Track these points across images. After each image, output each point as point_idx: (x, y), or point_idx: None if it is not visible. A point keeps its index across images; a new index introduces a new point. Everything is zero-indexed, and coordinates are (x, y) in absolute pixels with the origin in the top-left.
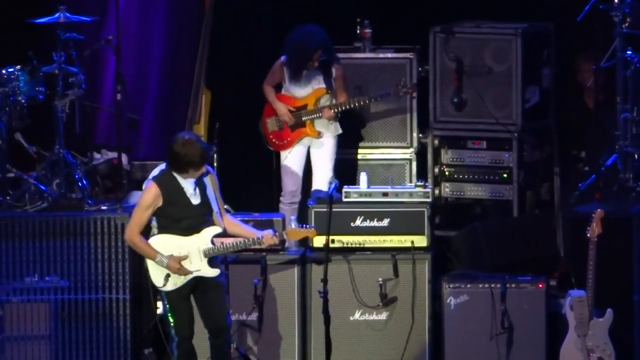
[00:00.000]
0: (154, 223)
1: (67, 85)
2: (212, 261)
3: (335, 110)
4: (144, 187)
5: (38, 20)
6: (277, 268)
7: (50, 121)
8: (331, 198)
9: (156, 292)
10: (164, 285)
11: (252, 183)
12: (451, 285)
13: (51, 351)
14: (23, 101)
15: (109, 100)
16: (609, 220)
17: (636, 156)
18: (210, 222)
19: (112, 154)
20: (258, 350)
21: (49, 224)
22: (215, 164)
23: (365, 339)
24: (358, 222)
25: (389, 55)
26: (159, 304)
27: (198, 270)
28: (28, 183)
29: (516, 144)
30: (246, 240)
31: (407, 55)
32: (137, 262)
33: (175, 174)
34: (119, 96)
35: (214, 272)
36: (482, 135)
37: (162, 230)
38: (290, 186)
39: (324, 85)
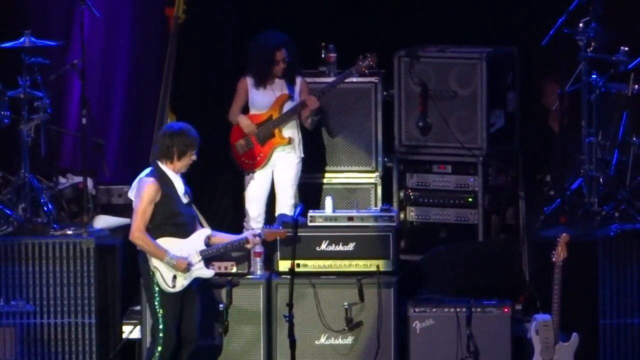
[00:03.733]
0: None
1: (32, 110)
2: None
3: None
4: (138, 185)
5: (3, 45)
6: (242, 292)
7: (16, 145)
8: (296, 222)
9: (123, 316)
10: (173, 286)
11: (217, 207)
12: (417, 310)
13: None
14: None
15: (74, 125)
16: (574, 245)
17: (601, 180)
18: (196, 226)
19: (78, 178)
20: None
21: (15, 249)
22: None
23: None
24: (323, 247)
25: (354, 79)
26: (125, 328)
27: (199, 271)
28: None
29: (481, 168)
30: (234, 242)
31: (372, 79)
32: (103, 286)
33: (167, 171)
34: (84, 120)
35: (210, 273)
36: (447, 159)
37: (156, 230)
38: (253, 213)
39: (286, 92)
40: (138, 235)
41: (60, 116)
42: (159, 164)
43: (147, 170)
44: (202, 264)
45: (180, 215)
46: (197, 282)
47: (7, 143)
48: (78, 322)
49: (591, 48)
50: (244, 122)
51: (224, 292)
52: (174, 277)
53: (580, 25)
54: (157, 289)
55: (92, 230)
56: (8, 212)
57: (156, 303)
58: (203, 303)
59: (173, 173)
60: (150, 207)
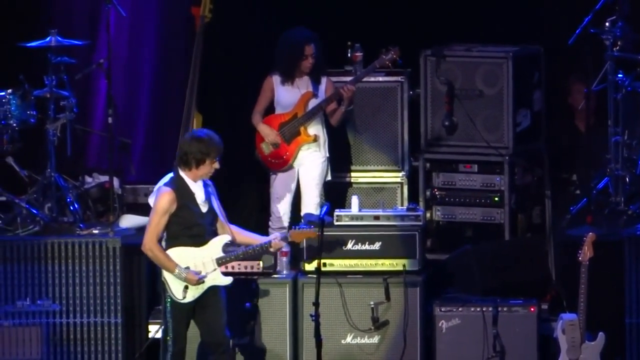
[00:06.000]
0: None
1: (58, 109)
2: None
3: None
4: (156, 194)
5: (29, 44)
6: (268, 292)
7: (42, 145)
8: (322, 221)
9: (149, 315)
10: (184, 297)
11: (243, 207)
12: (443, 309)
13: None
14: (14, 125)
15: (100, 124)
16: (601, 244)
17: (627, 179)
18: (215, 232)
19: (104, 178)
20: None
21: (41, 248)
22: None
23: None
24: (350, 246)
25: (380, 78)
26: (151, 327)
27: (213, 280)
28: (20, 207)
29: (507, 168)
30: (255, 247)
31: (398, 78)
32: (129, 285)
33: (186, 179)
34: (110, 120)
35: (227, 281)
36: (473, 158)
37: (172, 240)
38: (278, 212)
39: (311, 89)
40: (149, 247)
41: (87, 115)
42: (179, 171)
43: (168, 176)
44: (217, 272)
45: (197, 226)
46: (220, 287)
47: (33, 142)
48: (104, 322)
49: (617, 47)
50: (264, 130)
51: (250, 291)
52: (185, 287)
53: (607, 24)
54: (168, 298)
55: (118, 229)
56: (34, 211)
57: (167, 313)
58: (228, 305)
59: (192, 181)
60: (164, 218)
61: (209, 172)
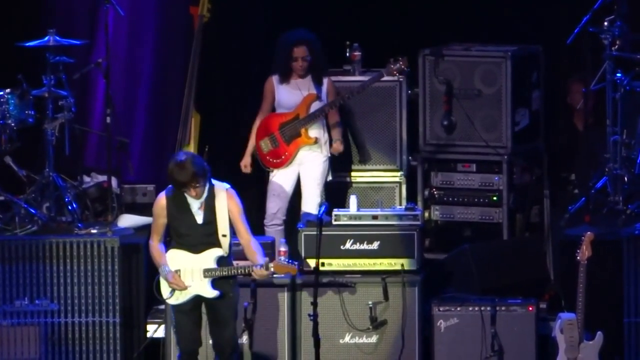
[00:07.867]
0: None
1: (56, 109)
2: (223, 282)
3: (332, 110)
4: None
5: (28, 44)
6: (267, 291)
7: (40, 144)
8: (321, 221)
9: (147, 315)
10: (169, 298)
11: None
12: (441, 308)
13: None
14: (13, 124)
15: (98, 124)
16: (599, 243)
17: (626, 179)
18: (217, 244)
19: (102, 177)
20: None
21: (39, 247)
22: None
23: None
24: (348, 245)
25: None
26: (150, 327)
27: (198, 290)
28: (18, 206)
29: (506, 167)
30: (245, 267)
31: (397, 78)
32: (127, 285)
33: None
34: (108, 119)
35: (212, 294)
36: (471, 158)
37: (174, 243)
38: (272, 208)
39: (314, 91)
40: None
41: (85, 115)
42: None
43: None
44: (205, 282)
45: (187, 236)
46: (231, 297)
47: (31, 142)
48: (102, 321)
49: (616, 46)
50: (249, 149)
51: (248, 291)
52: (173, 289)
53: (605, 23)
54: None
55: (116, 229)
56: (32, 211)
57: (172, 313)
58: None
59: None
60: (157, 220)
61: (193, 196)
